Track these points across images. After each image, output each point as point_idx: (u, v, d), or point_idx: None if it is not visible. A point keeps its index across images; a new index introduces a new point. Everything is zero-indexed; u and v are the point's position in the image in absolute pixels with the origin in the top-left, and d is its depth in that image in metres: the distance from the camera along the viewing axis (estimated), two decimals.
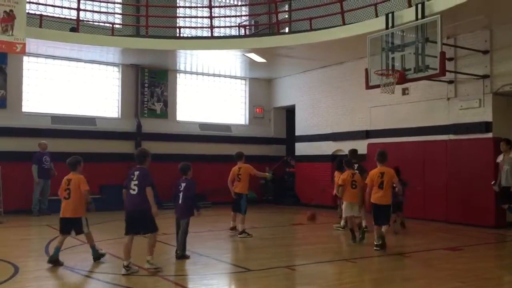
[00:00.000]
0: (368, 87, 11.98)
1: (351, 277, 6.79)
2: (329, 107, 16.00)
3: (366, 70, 11.89)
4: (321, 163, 15.98)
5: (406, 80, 11.03)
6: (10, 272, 6.60)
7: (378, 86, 11.45)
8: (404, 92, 13.28)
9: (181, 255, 7.71)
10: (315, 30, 13.58)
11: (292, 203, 16.78)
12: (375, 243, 8.53)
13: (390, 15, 11.24)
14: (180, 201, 7.71)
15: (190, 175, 7.86)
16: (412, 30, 10.81)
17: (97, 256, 7.51)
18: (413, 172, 12.99)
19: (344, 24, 12.81)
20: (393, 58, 11.20)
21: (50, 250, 8.27)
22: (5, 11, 11.68)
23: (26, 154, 13.47)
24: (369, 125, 14.48)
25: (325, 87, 16.13)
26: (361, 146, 14.45)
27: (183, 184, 7.75)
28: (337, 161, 11.26)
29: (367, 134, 14.48)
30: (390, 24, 11.23)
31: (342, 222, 10.82)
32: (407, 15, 11.02)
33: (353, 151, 11.44)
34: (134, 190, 6.79)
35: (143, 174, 6.83)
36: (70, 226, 7.36)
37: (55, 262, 7.08)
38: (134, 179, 6.82)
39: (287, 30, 16.21)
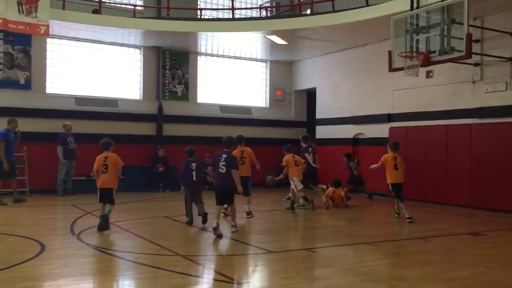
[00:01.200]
0: (391, 69, 11.81)
1: (371, 261, 6.78)
2: (350, 90, 15.84)
3: (390, 52, 11.71)
4: (342, 146, 15.90)
5: (430, 62, 10.83)
6: (37, 250, 6.77)
7: (401, 69, 11.28)
8: (428, 75, 13.06)
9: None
10: (338, 11, 13.39)
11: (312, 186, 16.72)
12: (407, 216, 9.74)
13: None
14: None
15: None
16: (437, 11, 10.57)
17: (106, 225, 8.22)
18: (436, 156, 12.86)
19: (367, 5, 12.60)
20: (417, 40, 10.99)
21: (75, 229, 8.47)
22: None
23: (51, 135, 13.72)
24: (392, 109, 14.31)
25: (346, 69, 15.96)
26: (383, 130, 14.35)
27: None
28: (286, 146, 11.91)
29: (389, 118, 14.31)
30: (415, 5, 11.00)
31: (302, 201, 11.55)
32: None
33: (305, 137, 12.35)
34: (222, 169, 8.13)
35: (230, 158, 8.27)
36: (106, 196, 8.30)
37: (104, 227, 8.07)
38: (222, 160, 8.13)
39: (308, 11, 16.03)
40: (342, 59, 16.13)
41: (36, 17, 11.98)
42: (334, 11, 13.52)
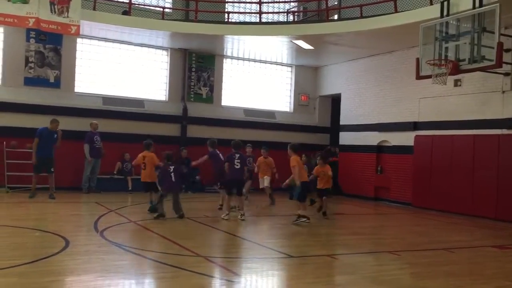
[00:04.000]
0: (419, 77, 11.68)
1: (394, 270, 6.70)
2: (376, 96, 15.71)
3: (417, 59, 11.58)
4: (365, 154, 15.77)
5: (459, 71, 10.68)
6: (61, 245, 6.89)
7: (429, 77, 11.15)
8: (456, 83, 12.85)
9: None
10: (366, 17, 13.31)
11: (334, 193, 16.60)
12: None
13: (445, 3, 10.86)
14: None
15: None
16: (468, 19, 10.43)
17: (154, 210, 9.92)
18: (462, 166, 12.64)
19: (396, 11, 12.49)
20: (446, 48, 10.87)
21: (99, 225, 8.59)
22: None
23: (78, 133, 13.95)
24: (418, 117, 14.12)
25: (372, 76, 15.83)
26: (409, 138, 14.18)
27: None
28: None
29: (415, 126, 14.13)
30: (445, 13, 10.86)
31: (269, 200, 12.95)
32: (464, 3, 10.62)
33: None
34: (237, 165, 10.04)
35: (243, 158, 10.42)
36: (148, 187, 10.49)
37: (158, 214, 9.60)
38: (236, 159, 10.06)
39: (336, 17, 15.97)
40: (369, 65, 16.01)
41: (67, 17, 12.25)
42: (362, 17, 13.44)
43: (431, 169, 13.44)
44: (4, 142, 13.11)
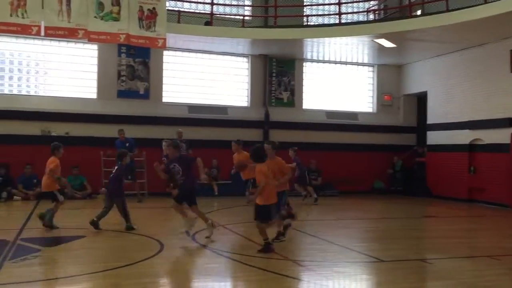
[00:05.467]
0: None
1: (493, 275, 6.30)
2: (466, 92, 14.89)
3: (511, 51, 10.85)
4: (456, 153, 15.00)
5: None
6: (156, 248, 7.24)
7: None
8: None
9: None
10: (452, 10, 12.69)
11: (423, 194, 15.99)
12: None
13: None
14: None
15: None
16: None
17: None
18: None
19: (485, 2, 11.79)
20: None
21: (191, 230, 8.88)
22: (148, 9, 12.75)
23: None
24: None
25: (462, 71, 15.03)
26: (504, 135, 13.29)
27: None
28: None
29: (510, 122, 13.22)
30: None
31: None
32: None
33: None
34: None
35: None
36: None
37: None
38: None
39: (419, 12, 15.39)
40: (457, 61, 15.22)
41: (154, 31, 12.88)
42: (448, 10, 12.83)
43: None
44: (101, 152, 14.01)
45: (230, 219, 10.20)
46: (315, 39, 14.85)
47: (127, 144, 13.21)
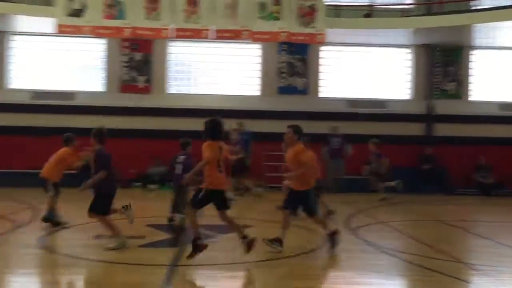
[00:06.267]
0: None
1: None
2: None
3: None
4: None
5: None
6: (320, 241, 7.33)
7: None
8: None
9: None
10: None
11: None
12: None
13: None
14: None
15: None
16: None
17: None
18: None
19: None
20: None
21: (352, 225, 8.87)
22: (308, 6, 12.95)
23: (319, 136, 14.34)
24: None
25: None
26: None
27: None
28: None
29: None
30: None
31: None
32: None
33: None
34: None
35: None
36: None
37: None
38: None
39: None
40: None
41: (314, 27, 13.08)
42: None
43: None
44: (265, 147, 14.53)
45: (390, 216, 9.92)
46: (484, 24, 13.59)
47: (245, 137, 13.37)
